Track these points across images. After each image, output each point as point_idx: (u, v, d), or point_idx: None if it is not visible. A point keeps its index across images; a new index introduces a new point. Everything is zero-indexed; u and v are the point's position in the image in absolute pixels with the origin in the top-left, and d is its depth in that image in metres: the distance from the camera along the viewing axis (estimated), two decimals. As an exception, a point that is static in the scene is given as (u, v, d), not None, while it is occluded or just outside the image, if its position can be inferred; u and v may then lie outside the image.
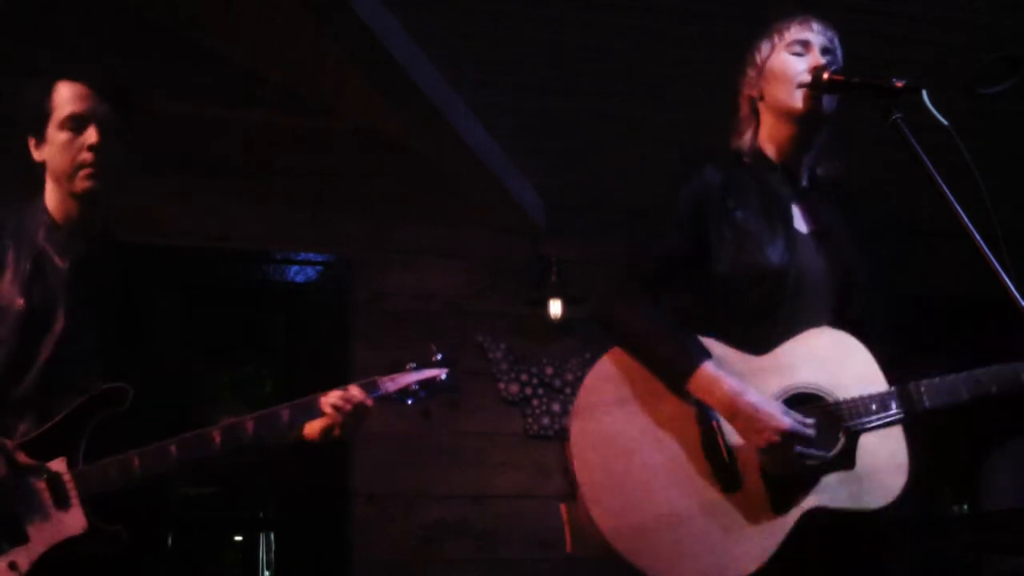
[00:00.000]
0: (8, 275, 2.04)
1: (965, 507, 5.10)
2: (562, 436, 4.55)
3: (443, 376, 2.22)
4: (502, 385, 4.53)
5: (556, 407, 4.57)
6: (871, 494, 1.88)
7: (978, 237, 1.68)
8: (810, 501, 1.86)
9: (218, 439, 2.01)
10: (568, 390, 4.60)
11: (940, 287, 4.57)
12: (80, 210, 2.11)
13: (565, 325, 4.60)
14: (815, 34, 2.06)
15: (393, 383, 2.17)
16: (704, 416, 1.90)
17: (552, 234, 4.74)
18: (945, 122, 1.72)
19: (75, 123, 2.05)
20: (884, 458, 1.91)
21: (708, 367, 1.88)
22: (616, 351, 2.00)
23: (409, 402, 2.18)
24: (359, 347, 4.37)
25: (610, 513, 1.86)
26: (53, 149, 2.08)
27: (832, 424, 1.91)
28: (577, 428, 1.93)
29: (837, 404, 1.91)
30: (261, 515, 7.11)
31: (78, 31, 4.07)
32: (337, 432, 2.09)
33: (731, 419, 1.87)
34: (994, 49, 3.68)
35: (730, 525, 1.84)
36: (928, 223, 3.97)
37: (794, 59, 2.05)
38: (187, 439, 2.00)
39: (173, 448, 1.98)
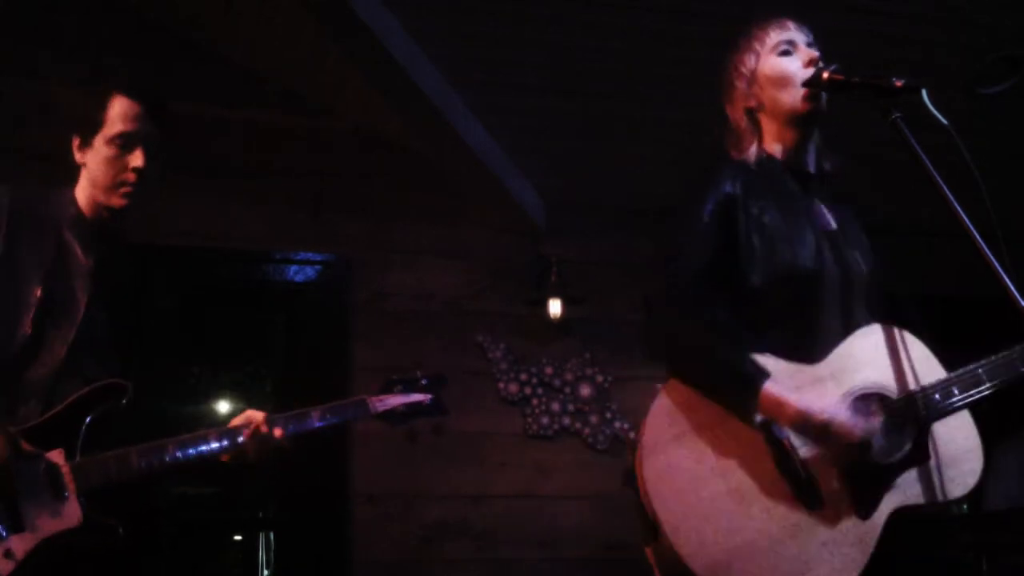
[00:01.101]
0: (29, 260, 2.06)
1: (965, 507, 5.10)
2: (561, 436, 4.56)
3: (427, 401, 2.27)
4: (502, 385, 4.53)
5: (556, 407, 4.57)
6: (952, 483, 1.87)
7: (978, 237, 1.68)
8: (894, 501, 1.84)
9: (215, 439, 2.04)
10: (568, 390, 4.61)
11: (940, 287, 4.57)
12: (109, 217, 2.16)
13: (565, 325, 4.61)
14: (795, 32, 2.06)
15: (382, 404, 2.23)
16: (774, 437, 1.86)
17: (552, 234, 4.74)
18: (945, 122, 1.71)
19: (124, 141, 2.11)
20: (958, 445, 1.90)
21: (769, 388, 1.84)
22: (671, 383, 1.95)
23: (391, 423, 2.23)
24: (359, 347, 4.37)
25: (698, 548, 1.81)
26: (97, 159, 2.12)
27: (902, 420, 1.89)
28: (648, 465, 1.88)
29: (902, 399, 1.90)
30: (261, 515, 7.12)
31: (78, 31, 4.07)
32: (250, 453, 2.10)
33: (804, 434, 1.85)
34: (994, 49, 3.68)
35: (820, 541, 1.82)
36: (928, 223, 3.97)
37: (785, 60, 2.04)
38: (184, 440, 2.02)
39: (170, 446, 2.01)
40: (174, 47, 4.20)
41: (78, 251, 2.11)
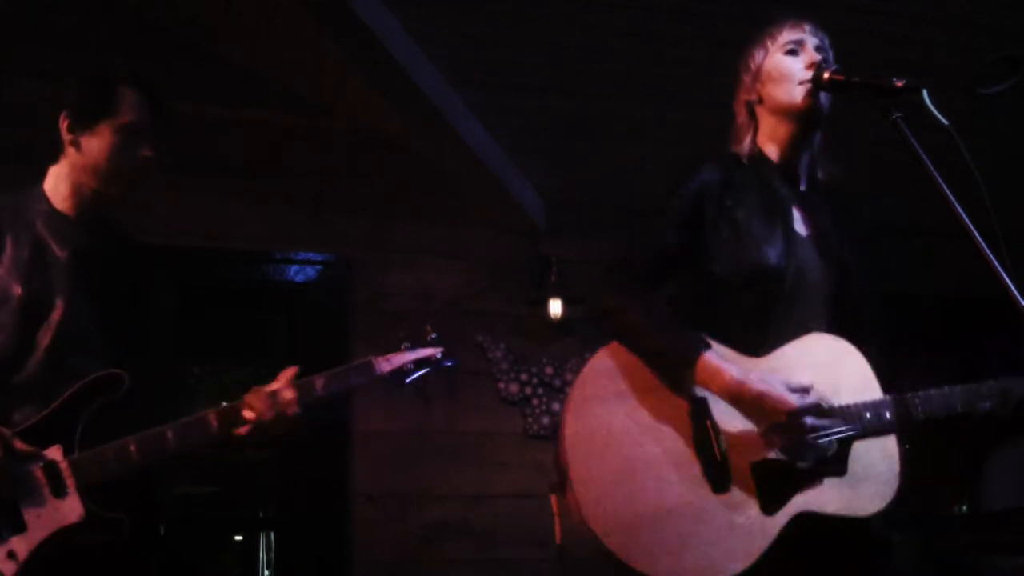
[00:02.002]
0: (6, 262, 2.05)
1: (965, 507, 5.11)
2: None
3: (438, 355, 2.23)
4: (502, 385, 4.53)
5: (556, 407, 4.57)
6: (861, 500, 1.88)
7: (978, 237, 1.68)
8: (800, 505, 1.86)
9: (215, 424, 2.02)
10: (568, 390, 4.60)
11: (940, 287, 4.57)
12: (90, 204, 2.13)
13: (565, 325, 4.61)
14: (807, 35, 2.07)
15: (388, 363, 2.19)
16: (698, 412, 1.89)
17: (552, 234, 4.74)
18: (945, 122, 1.72)
19: (131, 132, 2.10)
20: (876, 466, 1.91)
21: (710, 356, 1.87)
22: (612, 346, 1.99)
23: (407, 381, 2.18)
24: (359, 347, 4.36)
25: (600, 507, 1.85)
26: (101, 145, 2.09)
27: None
28: (570, 421, 1.93)
29: (832, 410, 1.91)
30: (261, 515, 7.12)
31: (78, 31, 4.07)
32: (272, 431, 2.07)
33: (737, 404, 1.87)
34: (994, 49, 3.68)
35: (719, 525, 1.84)
36: (928, 223, 3.97)
37: (789, 58, 2.06)
38: (185, 423, 2.01)
39: (170, 433, 1.99)
40: (174, 47, 4.21)
41: (53, 246, 2.08)
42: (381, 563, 4.18)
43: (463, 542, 4.33)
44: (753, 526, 1.84)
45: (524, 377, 4.56)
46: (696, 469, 1.87)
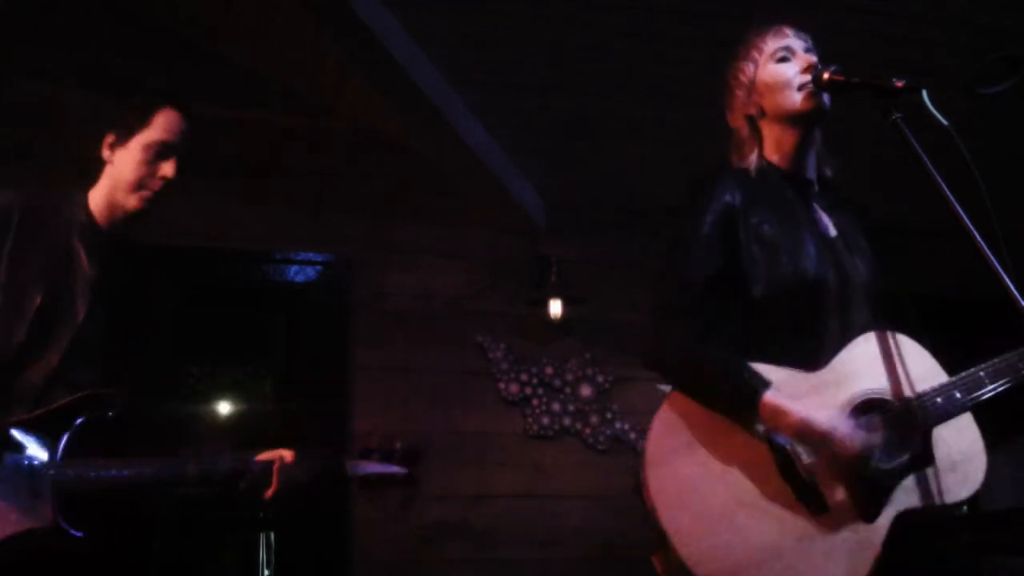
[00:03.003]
0: (34, 268, 2.06)
1: (965, 507, 5.10)
2: (562, 436, 4.56)
3: (401, 474, 2.35)
4: (502, 385, 4.53)
5: (556, 407, 4.57)
6: (956, 485, 1.88)
7: (978, 237, 1.68)
8: (898, 505, 1.85)
9: (193, 469, 2.05)
10: (568, 390, 4.61)
11: (940, 287, 4.56)
12: (122, 219, 2.19)
13: (565, 325, 4.61)
14: (792, 39, 2.07)
15: (358, 469, 2.29)
16: (776, 444, 1.86)
17: (552, 234, 4.74)
18: (945, 122, 1.71)
19: (163, 149, 2.16)
20: (961, 447, 1.90)
21: (770, 397, 1.85)
22: (673, 395, 1.96)
23: (358, 487, 2.30)
24: (359, 347, 4.37)
25: (704, 558, 1.82)
26: (128, 159, 2.16)
27: (904, 425, 1.89)
28: (653, 476, 1.89)
29: (903, 404, 1.90)
30: (261, 515, 7.11)
31: (78, 31, 4.07)
32: (268, 494, 2.15)
33: (803, 442, 1.85)
34: (994, 49, 3.68)
35: (825, 547, 1.82)
36: (928, 223, 3.97)
37: (782, 66, 2.05)
38: (164, 463, 2.04)
39: (147, 469, 2.03)
40: (174, 47, 4.21)
41: (83, 259, 2.12)
42: (381, 563, 4.18)
43: (463, 542, 4.32)
44: (859, 538, 1.83)
45: (524, 377, 4.56)
46: (788, 499, 1.85)
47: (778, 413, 1.84)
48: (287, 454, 2.16)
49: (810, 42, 2.08)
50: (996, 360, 1.90)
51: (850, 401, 1.91)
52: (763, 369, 1.90)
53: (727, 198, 2.02)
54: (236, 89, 4.29)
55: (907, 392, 1.91)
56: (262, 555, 7.24)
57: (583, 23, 3.53)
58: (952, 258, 3.18)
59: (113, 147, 2.18)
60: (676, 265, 2.02)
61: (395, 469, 2.32)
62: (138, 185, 2.14)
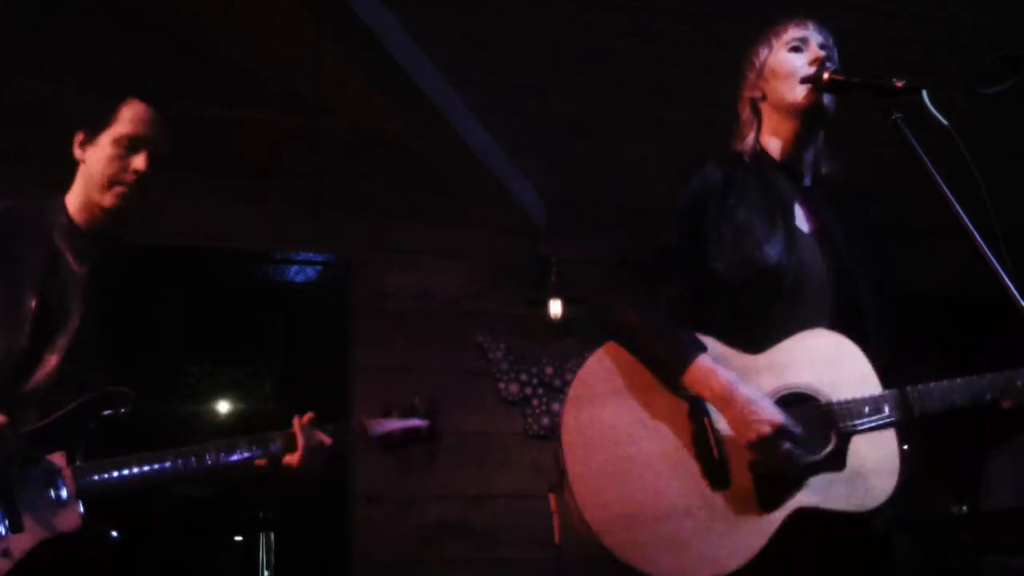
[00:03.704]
0: (22, 271, 2.06)
1: (965, 507, 5.11)
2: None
3: (424, 427, 2.30)
4: (502, 385, 4.53)
5: (556, 407, 4.57)
6: (860, 496, 1.88)
7: (978, 237, 1.68)
8: (798, 501, 1.86)
9: (214, 459, 2.03)
10: (567, 389, 4.60)
11: (940, 287, 4.57)
12: (102, 219, 2.14)
13: (565, 325, 4.61)
14: (812, 32, 2.08)
15: (380, 427, 2.25)
16: (696, 412, 1.90)
17: (552, 234, 4.74)
18: (945, 122, 1.71)
19: (131, 143, 2.10)
20: (875, 461, 1.90)
21: (704, 360, 1.88)
22: (610, 345, 2.01)
23: (384, 448, 2.25)
24: (359, 347, 4.37)
25: (598, 505, 1.86)
26: (98, 156, 2.11)
27: (824, 425, 1.90)
28: (569, 419, 1.95)
29: (830, 405, 1.91)
30: (261, 515, 7.12)
31: (78, 31, 4.07)
32: (296, 461, 2.09)
33: (723, 411, 1.87)
34: (994, 49, 3.68)
35: (716, 521, 1.84)
36: (928, 223, 3.97)
37: (793, 55, 2.06)
38: (184, 452, 2.02)
39: (169, 460, 2.00)
40: (174, 47, 4.21)
41: (71, 259, 2.10)
42: (381, 563, 4.18)
43: (463, 542, 4.32)
44: (751, 523, 1.84)
45: (524, 377, 4.56)
46: (694, 467, 1.88)
47: (707, 375, 1.87)
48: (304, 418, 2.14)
49: (830, 41, 2.09)
50: (932, 385, 1.91)
51: (778, 390, 1.92)
52: (703, 339, 1.93)
53: (708, 175, 2.06)
54: (236, 89, 4.29)
55: (839, 394, 1.92)
56: (262, 555, 7.24)
57: (583, 23, 3.53)
58: (952, 258, 3.18)
59: (83, 145, 2.13)
60: (643, 230, 2.09)
61: (417, 422, 2.29)
62: (111, 182, 2.08)
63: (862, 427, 1.90)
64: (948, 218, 1.72)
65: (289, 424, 2.11)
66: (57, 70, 3.93)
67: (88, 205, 2.13)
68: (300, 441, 2.07)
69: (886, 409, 1.91)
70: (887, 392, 1.93)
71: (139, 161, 2.09)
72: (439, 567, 4.26)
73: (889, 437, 1.93)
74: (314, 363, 4.44)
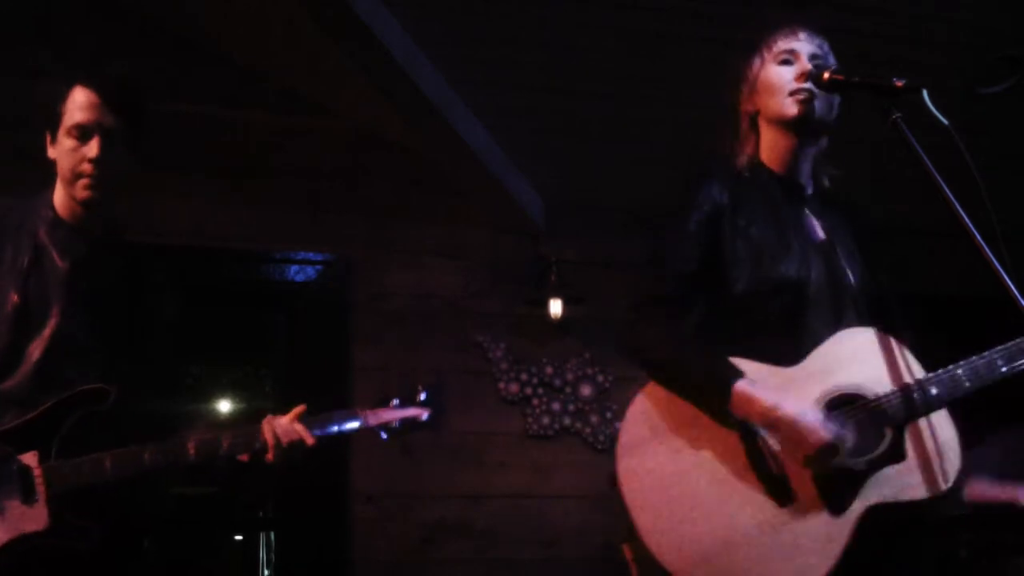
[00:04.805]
0: (5, 268, 2.05)
1: (953, 503, 5.09)
2: (562, 436, 4.56)
3: (424, 416, 2.23)
4: (502, 385, 4.53)
5: (556, 407, 4.58)
6: (927, 482, 1.87)
7: (978, 237, 1.68)
8: (866, 500, 1.85)
9: (192, 451, 2.01)
10: (568, 390, 4.61)
11: (940, 287, 4.57)
12: (83, 212, 2.13)
13: (565, 325, 4.61)
14: (801, 43, 2.07)
15: (375, 417, 2.19)
16: (748, 433, 1.88)
17: (552, 234, 4.74)
18: (945, 122, 1.71)
19: (80, 132, 2.07)
20: (935, 445, 1.90)
21: (742, 386, 1.87)
22: (650, 386, 1.99)
23: (385, 437, 2.19)
24: (359, 347, 4.37)
25: (672, 546, 1.85)
26: (60, 152, 2.10)
27: (877, 421, 1.90)
28: (624, 467, 1.94)
29: (878, 400, 1.90)
30: (261, 515, 7.12)
31: (78, 31, 4.07)
32: (270, 457, 2.07)
33: (772, 431, 1.87)
34: (994, 49, 3.68)
35: (791, 537, 1.83)
36: (928, 223, 3.97)
37: (783, 69, 2.06)
38: (161, 447, 2.00)
39: (146, 454, 1.99)
40: (174, 47, 4.20)
41: (54, 255, 2.08)
42: (381, 563, 4.18)
43: (463, 542, 4.33)
44: (827, 529, 1.83)
45: (524, 377, 4.56)
46: (757, 488, 1.87)
47: (749, 400, 1.86)
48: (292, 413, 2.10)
49: (824, 48, 2.08)
50: (974, 358, 1.91)
51: (823, 395, 1.92)
52: (738, 363, 1.92)
53: (716, 196, 2.05)
54: (236, 89, 4.29)
55: (884, 388, 1.92)
56: (262, 555, 7.25)
57: (583, 23, 3.53)
58: (952, 258, 3.19)
59: (53, 144, 2.12)
60: (662, 259, 2.06)
61: (416, 411, 2.22)
62: (74, 174, 2.07)
63: (915, 414, 1.89)
64: (948, 218, 1.72)
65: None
66: (57, 70, 3.93)
67: (67, 201, 2.12)
68: (264, 437, 2.04)
69: (933, 391, 1.89)
70: (932, 375, 1.92)
71: (91, 149, 2.06)
72: (439, 567, 4.26)
73: (943, 417, 1.92)
74: (313, 363, 4.44)
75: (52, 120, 2.11)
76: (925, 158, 1.75)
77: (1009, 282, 1.64)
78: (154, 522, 2.40)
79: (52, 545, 1.93)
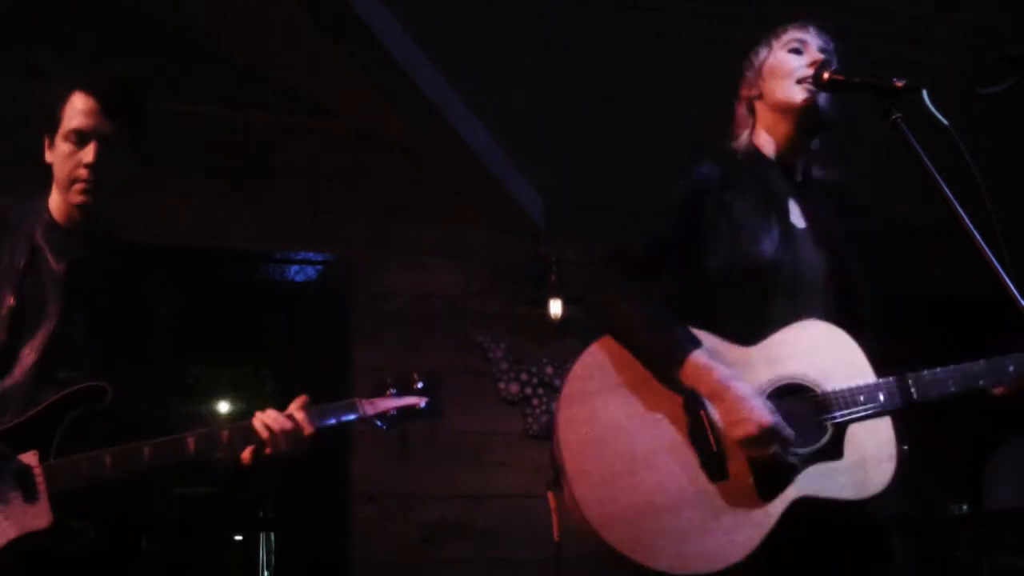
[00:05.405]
0: (2, 270, 2.06)
1: (965, 507, 5.11)
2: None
3: (421, 404, 2.20)
4: (502, 385, 4.53)
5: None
6: (860, 483, 1.88)
7: (978, 237, 1.68)
8: (798, 491, 1.86)
9: (192, 445, 2.01)
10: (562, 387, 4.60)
11: (940, 287, 4.57)
12: (79, 216, 2.13)
13: (565, 325, 4.61)
14: (812, 36, 2.09)
15: (372, 407, 2.15)
16: (692, 405, 1.89)
17: (552, 234, 4.74)
18: (945, 122, 1.72)
19: (78, 137, 2.08)
20: (873, 449, 1.91)
21: (698, 355, 1.89)
22: (605, 340, 2.00)
23: (383, 426, 2.17)
24: (359, 347, 4.37)
25: (596, 500, 1.85)
26: (57, 156, 2.11)
27: (820, 415, 1.91)
28: (564, 415, 1.93)
29: (825, 395, 1.92)
30: (261, 515, 7.12)
31: (78, 31, 4.07)
32: (268, 451, 2.06)
33: (718, 404, 1.88)
34: (994, 49, 3.68)
35: (717, 513, 1.84)
36: (928, 223, 3.98)
37: (791, 56, 2.08)
38: (161, 443, 1.99)
39: (146, 450, 1.98)
40: (174, 47, 4.21)
41: (50, 257, 2.09)
42: (381, 563, 4.18)
43: (463, 542, 4.33)
44: (752, 514, 1.84)
45: (524, 377, 4.56)
46: (692, 460, 1.88)
47: (704, 370, 1.87)
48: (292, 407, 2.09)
49: (831, 47, 2.10)
50: (925, 372, 1.92)
51: (773, 382, 1.93)
52: (698, 335, 1.93)
53: (705, 172, 2.08)
54: (236, 89, 4.29)
55: (831, 384, 1.92)
56: (262, 555, 7.24)
57: (583, 23, 3.53)
58: (952, 258, 3.19)
59: (50, 148, 2.13)
60: (640, 225, 2.09)
61: (414, 399, 2.18)
62: (70, 179, 2.07)
63: (857, 415, 1.91)
64: (948, 218, 1.72)
65: None
66: (57, 70, 3.93)
67: (62, 204, 2.13)
68: (256, 431, 2.04)
69: (881, 397, 1.91)
70: (882, 380, 1.93)
71: (87, 154, 2.06)
72: (439, 567, 4.26)
73: (886, 424, 1.94)
74: (313, 363, 4.44)
75: (51, 124, 2.11)
76: (925, 158, 1.75)
77: (1009, 282, 1.65)
78: (158, 521, 2.40)
79: (53, 545, 1.93)
